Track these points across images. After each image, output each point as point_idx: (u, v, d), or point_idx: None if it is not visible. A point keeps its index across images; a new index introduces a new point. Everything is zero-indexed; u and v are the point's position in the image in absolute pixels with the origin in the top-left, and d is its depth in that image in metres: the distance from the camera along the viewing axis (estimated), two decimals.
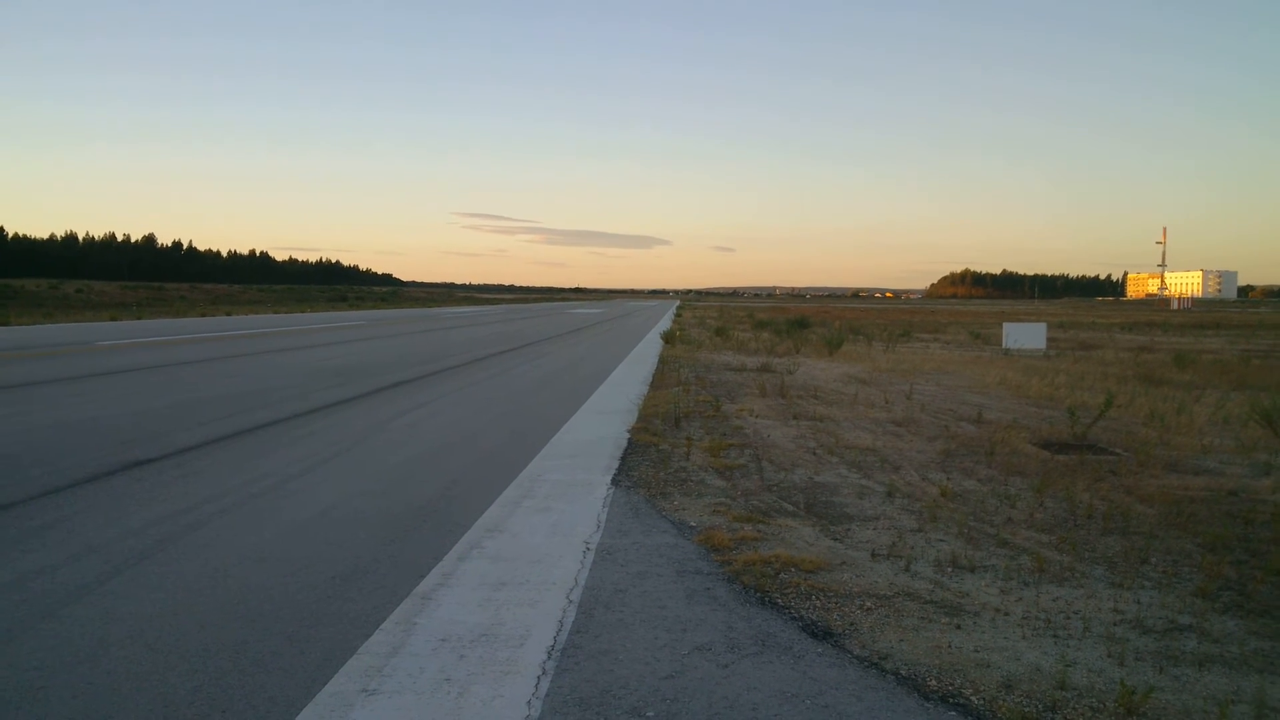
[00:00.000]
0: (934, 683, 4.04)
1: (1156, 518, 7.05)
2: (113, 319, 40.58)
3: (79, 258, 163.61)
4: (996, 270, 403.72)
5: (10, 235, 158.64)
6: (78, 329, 31.26)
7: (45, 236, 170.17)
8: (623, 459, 9.09)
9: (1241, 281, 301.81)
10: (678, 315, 65.14)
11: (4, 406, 11.84)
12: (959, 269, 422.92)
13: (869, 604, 5.02)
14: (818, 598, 5.10)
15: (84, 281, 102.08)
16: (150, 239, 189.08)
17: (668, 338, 30.06)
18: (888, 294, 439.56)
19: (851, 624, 4.71)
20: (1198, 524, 6.86)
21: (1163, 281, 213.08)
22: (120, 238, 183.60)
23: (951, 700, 3.90)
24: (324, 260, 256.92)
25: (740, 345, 28.76)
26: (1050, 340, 31.59)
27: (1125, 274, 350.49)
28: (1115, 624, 4.80)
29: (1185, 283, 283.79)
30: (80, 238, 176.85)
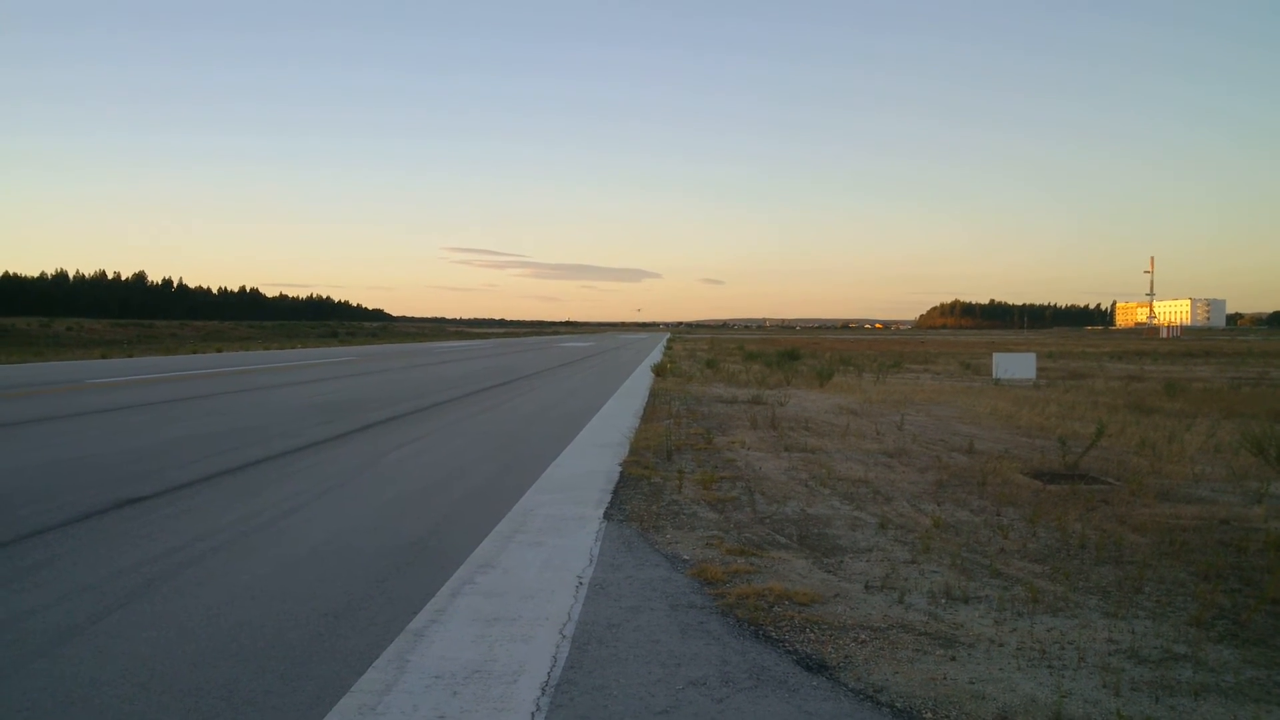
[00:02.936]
0: (929, 715, 4.03)
1: (1149, 547, 7.06)
2: (104, 357, 40.50)
3: (69, 295, 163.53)
4: (985, 300, 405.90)
5: (0, 274, 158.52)
6: (68, 367, 31.18)
7: (35, 274, 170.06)
8: (615, 493, 9.08)
9: (1230, 309, 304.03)
10: (668, 348, 65.18)
11: None
12: (948, 300, 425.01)
13: (863, 636, 5.01)
14: (812, 630, 5.10)
15: (74, 319, 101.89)
16: (140, 276, 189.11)
17: (658, 370, 30.07)
18: (877, 325, 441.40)
19: (846, 657, 4.70)
20: (1191, 553, 6.87)
21: (1151, 310, 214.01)
22: (110, 275, 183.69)
23: None
24: (314, 296, 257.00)
25: (731, 377, 28.78)
26: (1040, 370, 31.70)
27: (1114, 303, 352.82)
28: (1110, 654, 4.79)
29: (1174, 311, 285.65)
30: (70, 275, 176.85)
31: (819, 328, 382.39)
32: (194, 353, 47.59)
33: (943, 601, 5.67)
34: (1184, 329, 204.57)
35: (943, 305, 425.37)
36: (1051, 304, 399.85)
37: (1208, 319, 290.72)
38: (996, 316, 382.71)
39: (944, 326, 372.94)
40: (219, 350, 51.79)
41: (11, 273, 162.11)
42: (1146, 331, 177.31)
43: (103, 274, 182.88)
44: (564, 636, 4.96)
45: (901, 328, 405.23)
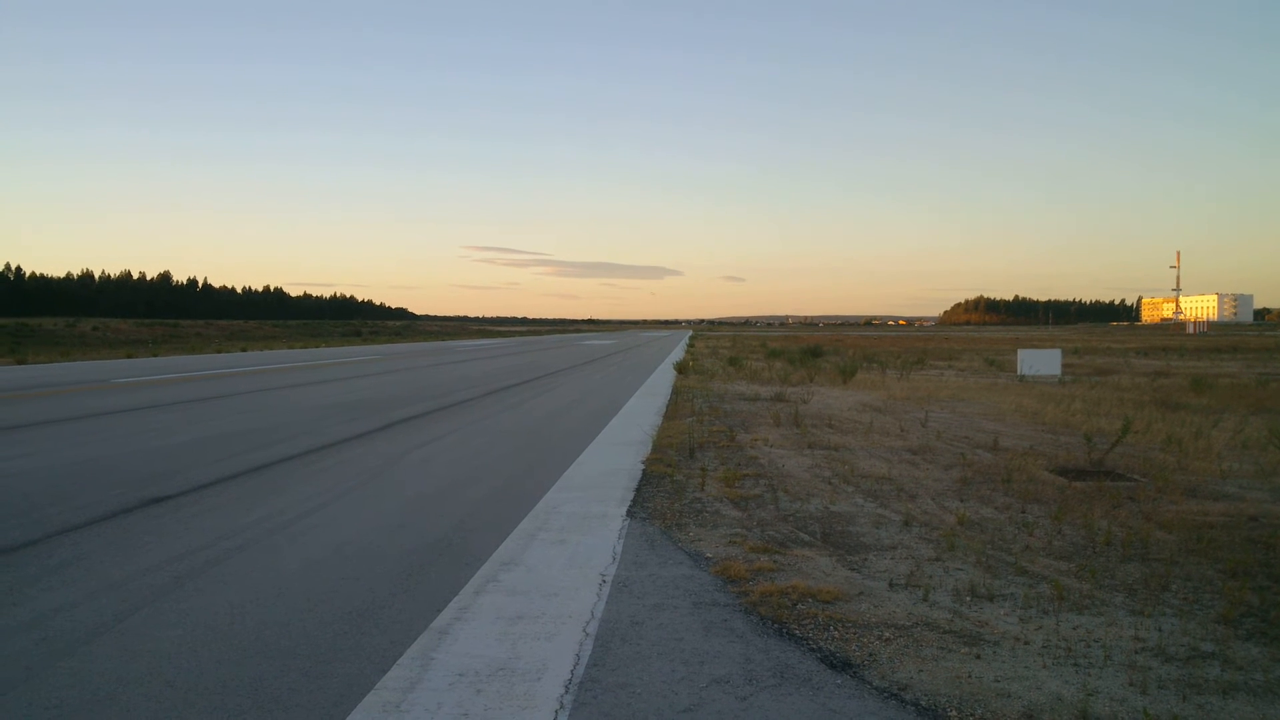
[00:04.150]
0: (954, 713, 4.01)
1: (1176, 544, 7.00)
2: (129, 356, 40.81)
3: (95, 296, 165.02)
4: (1010, 296, 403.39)
5: (28, 274, 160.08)
6: (94, 367, 31.43)
7: (62, 275, 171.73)
8: (638, 490, 9.08)
9: (1257, 305, 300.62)
10: (690, 345, 65.14)
11: (22, 445, 11.91)
12: (972, 296, 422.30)
13: (888, 634, 4.99)
14: (836, 628, 5.08)
15: (100, 319, 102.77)
16: (166, 276, 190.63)
17: (681, 368, 30.06)
18: (901, 321, 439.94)
19: (870, 655, 4.69)
20: (1218, 550, 6.81)
21: (1178, 306, 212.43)
22: (136, 275, 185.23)
23: None
24: (338, 295, 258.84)
25: (753, 375, 28.73)
26: (1066, 366, 31.50)
27: (1140, 299, 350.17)
28: (1137, 652, 4.76)
29: (1200, 306, 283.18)
30: (97, 276, 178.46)
31: (842, 324, 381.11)
32: (219, 352, 47.89)
33: (968, 599, 5.64)
34: (1211, 324, 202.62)
35: (967, 301, 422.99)
36: (1077, 300, 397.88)
37: (1235, 314, 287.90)
38: (1021, 312, 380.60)
39: (968, 323, 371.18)
40: (243, 349, 52.12)
41: (38, 273, 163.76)
42: (1173, 327, 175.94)
43: (128, 274, 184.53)
44: (587, 634, 4.97)
45: (925, 324, 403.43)
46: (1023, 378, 27.88)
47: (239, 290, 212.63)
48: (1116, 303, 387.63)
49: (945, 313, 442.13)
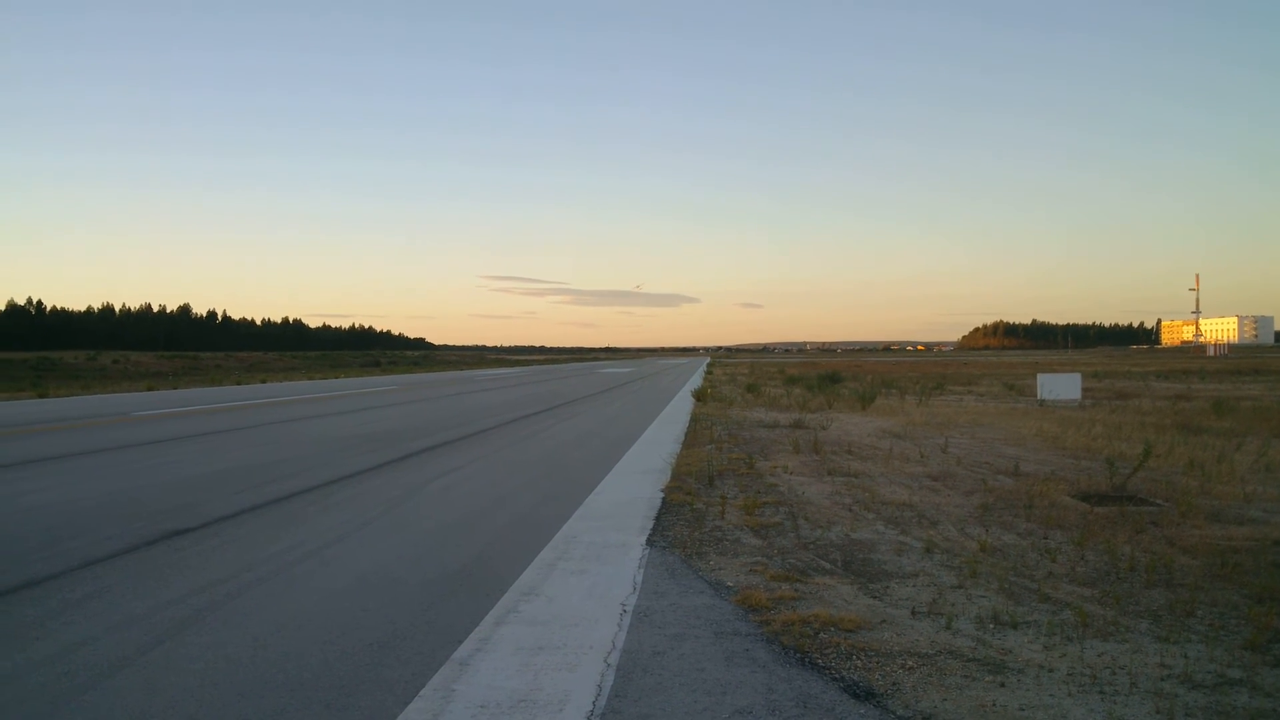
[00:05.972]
0: None
1: (1201, 569, 6.94)
2: (149, 389, 41.05)
3: (116, 329, 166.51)
4: (1028, 320, 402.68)
5: (49, 308, 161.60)
6: (115, 400, 31.62)
7: (83, 309, 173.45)
8: (657, 519, 9.06)
9: (1278, 326, 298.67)
10: (708, 373, 65.14)
11: (42, 479, 11.97)
12: (990, 320, 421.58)
13: (911, 663, 4.96)
14: (859, 657, 5.05)
15: (121, 352, 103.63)
16: (185, 309, 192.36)
17: (699, 395, 30.04)
18: (919, 347, 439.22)
19: (894, 684, 4.66)
20: (1243, 575, 6.75)
21: (1197, 328, 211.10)
22: (156, 308, 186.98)
23: None
24: (357, 326, 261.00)
25: (772, 401, 28.69)
26: (1085, 390, 31.35)
27: (1159, 321, 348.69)
28: (1163, 679, 4.71)
29: (1220, 329, 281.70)
30: (117, 309, 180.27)
31: (860, 350, 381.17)
32: (238, 384, 48.13)
33: (991, 627, 5.61)
34: (1231, 347, 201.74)
35: (985, 326, 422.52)
36: (1096, 323, 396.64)
37: (1255, 336, 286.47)
38: (1040, 337, 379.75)
39: (986, 347, 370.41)
40: (263, 381, 52.36)
41: (59, 307, 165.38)
42: (1193, 350, 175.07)
43: (148, 307, 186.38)
44: (609, 665, 4.95)
45: (944, 349, 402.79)
46: (1043, 402, 27.76)
47: (258, 322, 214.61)
48: (1136, 325, 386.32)
49: (964, 337, 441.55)
